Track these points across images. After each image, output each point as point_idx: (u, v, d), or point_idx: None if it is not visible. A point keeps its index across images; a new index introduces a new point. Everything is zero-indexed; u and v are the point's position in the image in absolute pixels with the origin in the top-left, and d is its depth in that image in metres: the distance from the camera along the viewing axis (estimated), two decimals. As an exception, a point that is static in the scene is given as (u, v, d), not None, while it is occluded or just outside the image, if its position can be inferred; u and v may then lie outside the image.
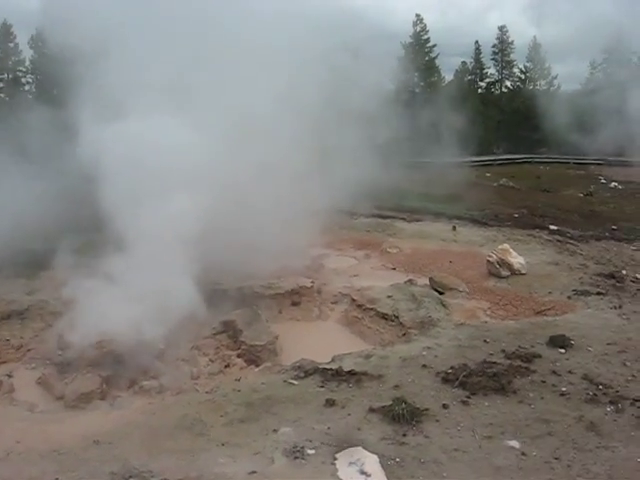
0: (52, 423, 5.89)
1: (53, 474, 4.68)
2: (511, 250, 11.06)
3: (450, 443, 5.00)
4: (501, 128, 43.04)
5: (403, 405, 5.43)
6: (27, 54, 52.07)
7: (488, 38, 47.07)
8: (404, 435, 5.10)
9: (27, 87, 52.66)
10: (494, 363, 6.54)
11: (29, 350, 8.72)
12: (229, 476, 4.55)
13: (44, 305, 9.44)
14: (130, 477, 4.61)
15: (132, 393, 7.33)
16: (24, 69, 53.45)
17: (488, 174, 28.14)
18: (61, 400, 7.31)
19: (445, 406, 5.59)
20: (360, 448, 4.87)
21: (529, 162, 36.46)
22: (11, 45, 52.19)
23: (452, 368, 6.37)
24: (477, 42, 45.88)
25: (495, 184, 25.13)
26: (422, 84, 42.75)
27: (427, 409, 5.49)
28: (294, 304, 9.91)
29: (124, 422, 5.65)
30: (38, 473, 4.73)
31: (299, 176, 10.40)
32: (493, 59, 46.30)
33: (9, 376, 7.94)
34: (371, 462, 4.68)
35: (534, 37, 44.44)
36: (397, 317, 8.82)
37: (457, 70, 46.71)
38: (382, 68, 14.15)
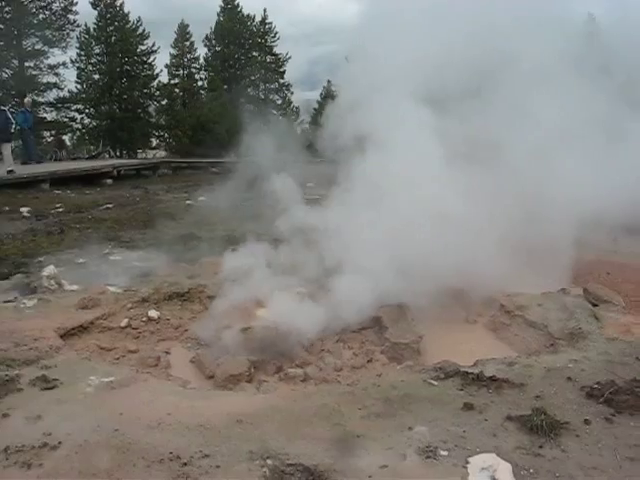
0: (201, 400, 6.19)
1: (197, 446, 4.97)
2: (678, 265, 10.41)
3: (589, 460, 4.77)
4: None
5: (542, 416, 5.27)
6: (201, 52, 55.65)
7: None
8: (540, 447, 4.95)
9: (200, 83, 56.31)
10: (645, 383, 6.14)
11: (186, 330, 9.30)
12: (361, 467, 4.64)
13: (203, 289, 10.02)
14: (268, 458, 4.80)
15: (277, 379, 7.66)
16: (198, 66, 57.25)
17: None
18: (211, 379, 7.76)
19: (587, 422, 5.34)
20: (494, 455, 4.79)
21: None
22: (187, 43, 56.35)
23: (598, 383, 6.05)
24: None
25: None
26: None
27: (567, 422, 5.28)
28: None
29: (267, 405, 5.87)
30: (184, 444, 5.03)
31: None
32: None
33: (167, 353, 8.52)
34: (503, 470, 4.58)
35: None
36: (546, 326, 8.56)
37: None
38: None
